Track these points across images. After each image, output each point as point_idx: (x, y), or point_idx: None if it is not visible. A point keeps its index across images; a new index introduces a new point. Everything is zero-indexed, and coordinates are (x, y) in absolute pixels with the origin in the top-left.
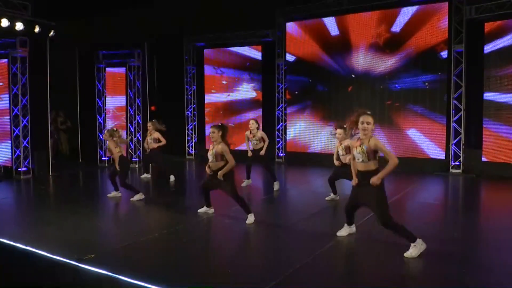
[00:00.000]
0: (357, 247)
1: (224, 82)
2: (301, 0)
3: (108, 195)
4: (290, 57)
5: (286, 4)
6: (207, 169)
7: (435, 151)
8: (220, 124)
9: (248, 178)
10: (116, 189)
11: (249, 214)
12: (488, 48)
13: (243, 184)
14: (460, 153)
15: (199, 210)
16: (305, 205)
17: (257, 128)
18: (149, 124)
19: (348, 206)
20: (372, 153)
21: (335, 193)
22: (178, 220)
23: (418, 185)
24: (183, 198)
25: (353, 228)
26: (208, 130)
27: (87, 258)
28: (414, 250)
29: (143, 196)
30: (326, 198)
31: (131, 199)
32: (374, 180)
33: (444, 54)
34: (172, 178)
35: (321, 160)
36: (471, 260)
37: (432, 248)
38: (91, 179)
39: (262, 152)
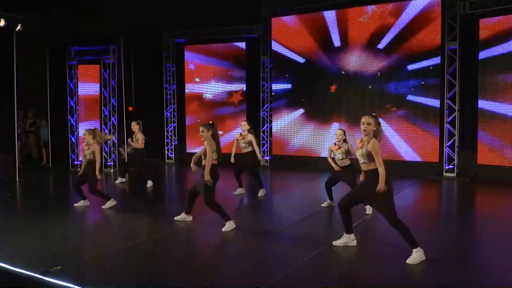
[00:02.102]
0: (347, 254)
1: (204, 85)
2: None
3: (75, 204)
4: (277, 48)
5: None
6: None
7: (428, 154)
8: (210, 122)
9: (241, 186)
10: (84, 198)
11: (228, 222)
12: (484, 54)
13: (236, 193)
14: (454, 155)
15: (176, 218)
16: (292, 211)
17: (248, 131)
18: (133, 123)
19: (345, 201)
20: (371, 156)
21: (331, 199)
22: (154, 228)
23: (410, 190)
24: (160, 204)
25: (352, 239)
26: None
27: (53, 270)
28: (415, 255)
29: (115, 202)
30: (323, 205)
31: (103, 206)
32: (381, 188)
33: (437, 51)
34: (149, 183)
35: (310, 163)
36: (465, 267)
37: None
38: (61, 185)
39: (260, 158)
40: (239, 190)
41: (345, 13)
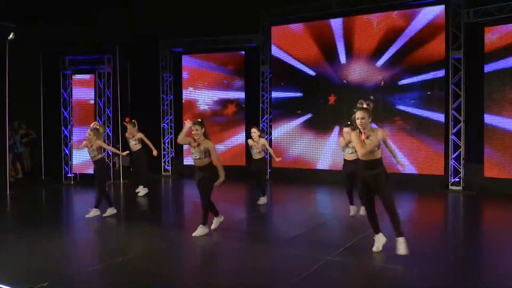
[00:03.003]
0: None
1: (203, 94)
2: (287, 2)
3: (104, 214)
4: (277, 56)
5: (271, 6)
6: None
7: (433, 167)
8: (200, 120)
9: (264, 194)
10: (110, 205)
11: (202, 225)
12: (489, 67)
13: (260, 202)
14: (460, 168)
15: (194, 234)
16: (295, 223)
17: (260, 136)
18: (129, 126)
19: (368, 207)
20: (379, 143)
21: (351, 203)
22: (146, 243)
23: (414, 204)
24: (156, 218)
25: (383, 237)
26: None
27: (39, 287)
28: (403, 245)
29: (115, 211)
30: (351, 214)
31: (103, 214)
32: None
33: (441, 61)
34: (142, 191)
35: (314, 176)
36: (470, 285)
37: (427, 272)
38: (53, 198)
39: (278, 159)
40: (263, 199)
41: (347, 22)
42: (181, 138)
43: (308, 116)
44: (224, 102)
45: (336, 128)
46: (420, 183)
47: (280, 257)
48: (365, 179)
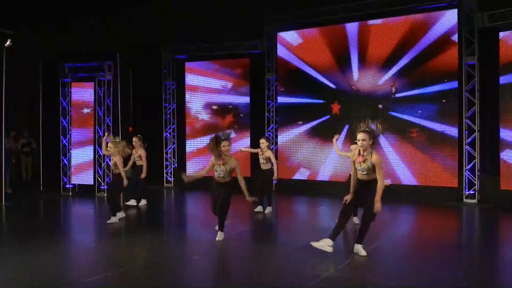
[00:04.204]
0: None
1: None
2: (293, 8)
3: (108, 221)
4: (285, 60)
5: (276, 12)
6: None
7: (446, 179)
8: (228, 136)
9: (270, 204)
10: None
11: (220, 232)
12: (505, 79)
13: (267, 211)
14: (475, 180)
15: (217, 239)
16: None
17: (268, 147)
18: (135, 139)
19: (343, 220)
20: (374, 168)
21: (355, 214)
22: (140, 256)
23: (427, 218)
24: (153, 230)
25: (330, 244)
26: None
27: None
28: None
29: (118, 220)
30: (356, 222)
31: (108, 221)
32: (378, 206)
33: (454, 67)
34: (136, 202)
35: (320, 188)
36: None
37: None
38: (49, 210)
39: (275, 177)
40: (269, 209)
41: (355, 28)
42: (207, 170)
43: (314, 123)
44: (227, 111)
45: (342, 137)
46: (433, 195)
47: (279, 273)
48: (354, 199)
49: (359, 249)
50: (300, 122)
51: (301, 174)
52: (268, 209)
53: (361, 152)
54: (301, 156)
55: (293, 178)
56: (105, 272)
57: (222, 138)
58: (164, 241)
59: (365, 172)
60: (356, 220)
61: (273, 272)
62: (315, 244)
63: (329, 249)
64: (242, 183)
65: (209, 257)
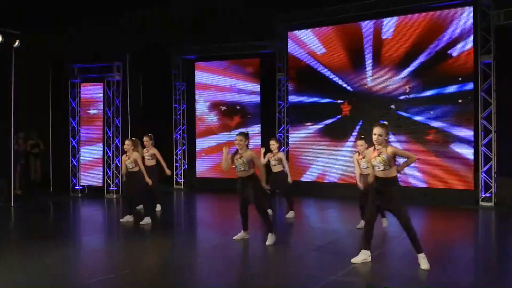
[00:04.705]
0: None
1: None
2: (304, 7)
3: (121, 220)
4: (296, 59)
5: (287, 11)
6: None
7: (462, 181)
8: (246, 132)
9: (292, 208)
10: (130, 213)
11: (270, 234)
12: None
13: (289, 216)
14: (491, 182)
15: (235, 237)
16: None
17: (278, 148)
18: (145, 138)
19: (369, 221)
20: (393, 160)
21: (363, 218)
22: (144, 259)
23: (442, 221)
24: (159, 233)
25: (369, 255)
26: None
27: None
28: (425, 260)
29: (132, 219)
30: (357, 227)
31: (121, 220)
32: (400, 168)
33: (469, 66)
34: (158, 207)
35: (332, 190)
36: None
37: None
38: (57, 211)
39: (290, 180)
40: (291, 213)
41: (367, 26)
42: (225, 166)
43: (325, 123)
44: (237, 111)
45: (353, 138)
46: (448, 198)
47: (283, 276)
48: (375, 198)
49: (421, 260)
50: (309, 124)
51: (310, 176)
52: (291, 214)
53: (376, 146)
54: (311, 156)
55: (303, 180)
56: (106, 274)
57: (238, 133)
58: (174, 243)
59: (381, 167)
60: (385, 222)
61: (278, 275)
62: (355, 260)
63: (369, 259)
64: (261, 169)
65: (213, 259)
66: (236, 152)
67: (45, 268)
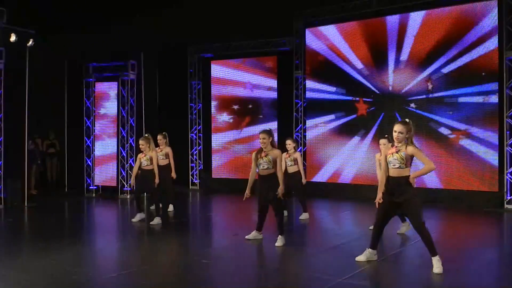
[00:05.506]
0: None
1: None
2: (324, 3)
3: (133, 219)
4: (315, 56)
5: (305, 7)
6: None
7: (486, 182)
8: (269, 129)
9: (305, 210)
10: (141, 210)
11: (280, 236)
12: None
13: (302, 217)
14: None
15: (247, 236)
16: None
17: (295, 148)
18: (159, 137)
19: (379, 222)
20: (410, 160)
21: (403, 220)
22: (147, 259)
23: (464, 225)
24: (168, 234)
25: (374, 255)
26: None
27: None
28: (439, 263)
29: (144, 216)
30: (370, 228)
31: (133, 220)
32: (410, 178)
33: (494, 63)
34: (169, 208)
35: (349, 191)
36: None
37: None
38: (71, 211)
39: (304, 180)
40: (304, 215)
41: (389, 22)
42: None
43: (343, 121)
44: (252, 110)
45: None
46: (472, 200)
47: (288, 277)
48: (389, 200)
49: (434, 263)
50: (322, 123)
51: (326, 176)
52: (304, 215)
53: (395, 143)
54: (328, 156)
55: (320, 181)
56: (108, 273)
57: (261, 131)
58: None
59: (397, 165)
60: (404, 228)
61: (281, 276)
62: (359, 258)
63: (374, 257)
64: (280, 173)
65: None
66: (260, 150)
67: (47, 268)
